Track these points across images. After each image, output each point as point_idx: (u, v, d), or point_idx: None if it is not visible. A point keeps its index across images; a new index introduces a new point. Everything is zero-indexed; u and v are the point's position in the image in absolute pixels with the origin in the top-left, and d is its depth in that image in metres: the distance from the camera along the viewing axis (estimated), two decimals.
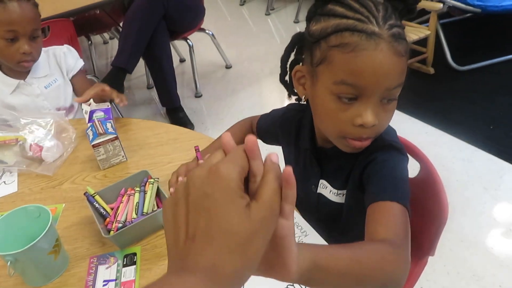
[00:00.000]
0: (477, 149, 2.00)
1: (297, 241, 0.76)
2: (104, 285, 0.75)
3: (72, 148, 1.12)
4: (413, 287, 0.92)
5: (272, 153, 0.39)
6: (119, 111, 2.47)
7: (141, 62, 2.37)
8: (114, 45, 3.50)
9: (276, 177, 0.37)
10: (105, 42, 3.69)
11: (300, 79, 0.75)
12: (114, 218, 0.84)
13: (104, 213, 0.85)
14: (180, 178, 0.87)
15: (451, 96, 2.41)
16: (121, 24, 2.49)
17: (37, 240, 0.70)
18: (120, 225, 0.81)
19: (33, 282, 0.77)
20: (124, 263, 0.80)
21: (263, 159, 0.38)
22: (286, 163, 0.98)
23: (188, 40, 2.59)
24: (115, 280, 0.76)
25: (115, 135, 1.02)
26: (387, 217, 0.62)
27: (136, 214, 0.84)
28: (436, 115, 2.25)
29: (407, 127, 2.17)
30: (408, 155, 0.81)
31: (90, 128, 1.03)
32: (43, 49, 1.36)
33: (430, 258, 0.95)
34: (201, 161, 0.92)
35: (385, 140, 0.74)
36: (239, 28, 3.75)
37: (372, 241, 0.59)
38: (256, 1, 4.28)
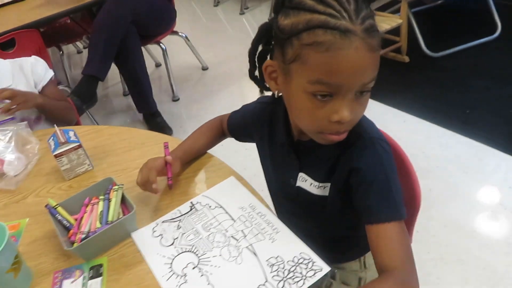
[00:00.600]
0: (455, 133, 2.01)
1: (268, 238, 0.74)
2: None
3: (36, 160, 1.08)
4: None
5: None
6: (94, 119, 2.43)
7: (116, 69, 2.34)
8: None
9: None
10: (79, 52, 3.63)
11: (271, 73, 0.72)
12: (78, 229, 0.81)
13: (68, 225, 0.82)
14: (154, 186, 0.86)
15: (427, 83, 2.42)
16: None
17: None
18: (83, 236, 0.78)
19: None
20: (90, 275, 0.76)
21: None
22: (261, 159, 0.95)
23: (161, 44, 2.55)
24: None
25: (78, 143, 0.98)
26: (390, 244, 0.67)
27: (101, 223, 0.81)
28: (413, 103, 2.25)
29: (385, 117, 2.17)
30: None
31: (52, 137, 0.99)
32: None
33: (414, 246, 0.93)
34: (168, 157, 0.90)
35: (368, 136, 0.73)
36: (214, 29, 3.72)
37: (380, 282, 0.65)
38: (230, 1, 4.26)
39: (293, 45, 0.62)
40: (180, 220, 0.86)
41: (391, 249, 0.66)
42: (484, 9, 2.70)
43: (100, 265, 0.78)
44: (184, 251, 0.79)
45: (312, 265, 0.71)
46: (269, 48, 0.73)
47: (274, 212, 0.86)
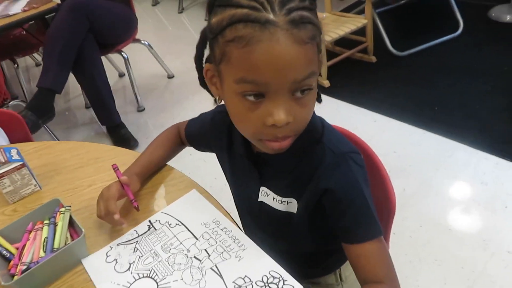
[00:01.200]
0: (425, 131, 2.00)
1: (235, 256, 0.67)
2: None
3: None
4: None
5: None
6: (54, 135, 2.30)
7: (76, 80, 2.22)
8: None
9: None
10: (38, 65, 3.46)
11: (212, 78, 0.66)
12: (19, 259, 0.71)
13: (8, 255, 0.73)
14: (116, 217, 0.76)
15: (394, 82, 2.41)
16: None
17: None
18: (24, 267, 0.69)
19: None
20: None
21: None
22: (223, 171, 0.89)
23: (122, 53, 2.45)
24: None
25: (21, 162, 0.89)
26: (372, 262, 0.65)
27: (45, 252, 0.72)
28: (383, 103, 2.24)
29: (355, 117, 2.14)
30: None
31: None
32: None
33: (391, 249, 0.89)
34: (123, 178, 0.81)
35: (339, 152, 0.67)
36: (180, 37, 3.63)
37: None
38: (195, 7, 4.19)
39: (219, 44, 0.57)
40: (137, 241, 0.78)
41: (373, 266, 0.65)
42: (446, 7, 2.73)
43: None
44: (142, 277, 0.71)
45: (283, 284, 0.65)
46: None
47: (241, 227, 0.80)
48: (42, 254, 0.72)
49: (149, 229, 0.80)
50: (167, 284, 0.69)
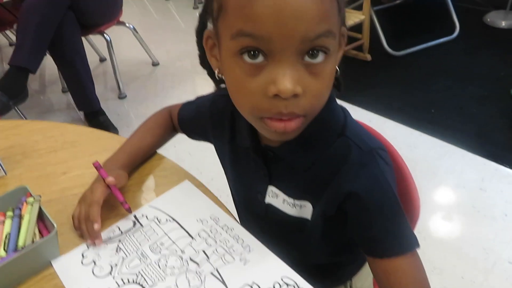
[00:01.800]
0: (422, 133, 1.94)
1: (239, 259, 0.54)
2: None
3: None
4: None
5: None
6: (26, 118, 2.12)
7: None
8: None
9: None
10: (12, 44, 3.24)
11: (212, 49, 0.55)
12: None
13: None
14: (95, 226, 0.63)
15: (390, 82, 2.35)
16: None
17: None
18: None
19: None
20: None
21: None
22: (222, 164, 0.76)
23: (105, 34, 2.29)
24: None
25: None
26: (404, 281, 0.55)
27: (6, 251, 0.59)
28: (378, 102, 2.16)
29: None
30: None
31: None
32: None
33: None
34: (110, 179, 0.68)
35: (366, 148, 0.56)
36: (166, 25, 3.48)
37: None
38: None
39: None
40: (119, 240, 0.65)
41: (405, 286, 0.55)
42: (443, 10, 2.70)
43: None
44: (127, 283, 0.58)
45: None
46: None
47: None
48: (2, 253, 0.58)
49: (134, 226, 0.67)
50: None
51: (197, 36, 0.59)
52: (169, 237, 0.65)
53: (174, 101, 0.87)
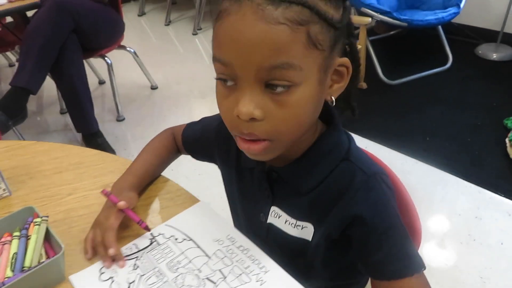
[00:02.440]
0: (417, 161, 1.96)
1: (255, 279, 0.55)
2: None
3: None
4: None
5: None
6: (23, 138, 2.12)
7: (53, 83, 2.06)
8: None
9: None
10: (11, 65, 3.27)
11: None
12: None
13: None
14: (111, 251, 0.62)
15: (385, 109, 2.39)
16: None
17: None
18: None
19: None
20: None
21: None
22: (225, 186, 0.78)
23: (106, 58, 2.32)
24: None
25: None
26: None
27: (13, 271, 0.58)
28: (373, 129, 2.19)
29: None
30: None
31: None
32: None
33: None
34: (121, 203, 0.68)
35: (371, 172, 0.58)
36: (165, 49, 3.53)
37: None
38: (182, 21, 4.11)
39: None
40: (137, 257, 0.65)
41: None
42: (436, 42, 2.78)
43: None
44: None
45: None
46: None
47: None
48: (9, 273, 0.58)
49: (151, 244, 0.67)
50: None
51: None
52: (185, 255, 0.65)
53: (171, 123, 0.89)
